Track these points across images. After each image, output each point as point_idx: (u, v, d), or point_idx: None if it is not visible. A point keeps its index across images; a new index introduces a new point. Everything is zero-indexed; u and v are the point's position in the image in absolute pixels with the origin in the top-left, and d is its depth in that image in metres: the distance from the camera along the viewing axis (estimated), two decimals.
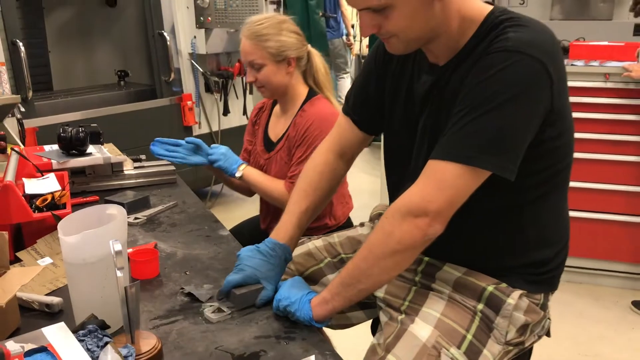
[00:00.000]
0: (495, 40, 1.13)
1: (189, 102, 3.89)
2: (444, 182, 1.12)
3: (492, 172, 1.12)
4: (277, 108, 2.13)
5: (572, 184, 3.39)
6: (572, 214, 3.35)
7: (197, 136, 3.96)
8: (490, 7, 1.20)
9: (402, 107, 1.35)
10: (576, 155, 3.29)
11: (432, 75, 1.26)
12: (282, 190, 1.95)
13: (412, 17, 1.14)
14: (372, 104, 1.43)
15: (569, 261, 3.50)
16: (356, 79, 1.49)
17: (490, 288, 1.24)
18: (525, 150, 1.15)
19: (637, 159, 3.07)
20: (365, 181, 4.86)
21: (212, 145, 1.99)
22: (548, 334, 1.38)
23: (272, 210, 2.09)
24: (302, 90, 2.03)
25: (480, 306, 1.24)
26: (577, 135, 3.23)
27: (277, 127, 2.10)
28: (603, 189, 3.16)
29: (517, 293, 1.23)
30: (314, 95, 2.02)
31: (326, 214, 2.03)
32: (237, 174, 1.95)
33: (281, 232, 1.43)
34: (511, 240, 1.28)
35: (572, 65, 3.12)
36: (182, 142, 1.97)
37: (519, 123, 1.11)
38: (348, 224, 2.10)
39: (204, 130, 4.02)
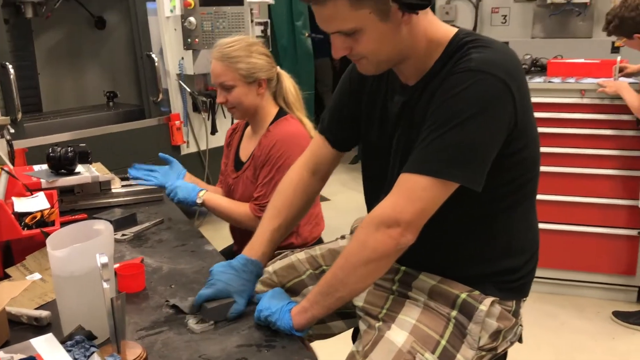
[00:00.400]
0: (459, 61, 1.20)
1: (177, 122, 3.95)
2: (414, 194, 1.19)
3: (459, 184, 1.19)
4: (248, 129, 2.17)
5: (553, 197, 3.47)
6: (554, 227, 3.44)
7: (185, 155, 4.03)
8: (455, 30, 1.28)
9: (378, 125, 1.42)
10: (556, 169, 3.37)
11: (403, 95, 1.33)
12: (247, 212, 1.97)
13: (380, 40, 1.20)
14: (347, 124, 1.50)
15: (553, 273, 3.58)
16: (332, 99, 1.56)
17: (463, 295, 1.30)
18: (494, 163, 1.21)
19: (615, 173, 3.15)
20: (354, 199, 4.91)
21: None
22: (520, 340, 1.43)
23: (241, 233, 2.09)
24: (272, 111, 2.07)
25: (454, 313, 1.30)
26: (555, 149, 3.33)
27: (247, 148, 2.13)
28: (584, 202, 3.23)
29: (489, 300, 1.29)
30: (283, 116, 2.06)
31: (292, 233, 2.03)
32: (198, 201, 1.98)
33: (253, 248, 1.49)
34: (483, 248, 1.34)
35: (549, 82, 3.21)
36: (157, 168, 2.05)
37: (484, 137, 1.17)
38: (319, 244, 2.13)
39: (192, 149, 4.08)
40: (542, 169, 3.32)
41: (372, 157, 1.47)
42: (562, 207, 3.25)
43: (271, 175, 1.95)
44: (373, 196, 1.47)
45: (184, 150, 4.02)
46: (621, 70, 3.21)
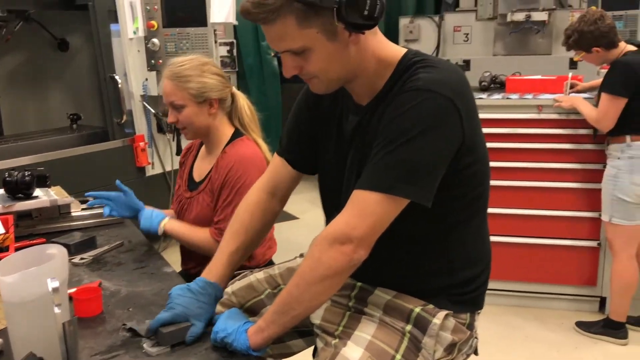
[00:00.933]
0: (408, 81, 1.23)
1: (142, 143, 3.93)
2: (366, 210, 1.21)
3: (409, 199, 1.22)
4: (203, 149, 2.15)
5: (516, 211, 3.52)
6: (517, 240, 3.49)
7: (150, 176, 4.01)
8: (404, 50, 1.32)
9: (334, 144, 1.44)
10: (518, 183, 3.42)
11: (357, 115, 1.36)
12: (208, 238, 1.95)
13: (329, 60, 1.23)
14: (304, 144, 1.52)
15: (517, 286, 3.61)
16: (288, 120, 1.58)
17: (417, 309, 1.32)
18: (446, 179, 1.24)
19: (576, 185, 3.23)
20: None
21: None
22: (476, 353, 1.45)
23: (193, 255, 2.08)
24: (227, 132, 2.06)
25: (408, 327, 1.32)
26: (517, 164, 3.38)
27: (201, 168, 2.11)
28: (546, 215, 3.30)
29: (443, 313, 1.31)
30: (239, 137, 2.05)
31: None
32: (160, 231, 1.96)
33: (212, 271, 1.50)
34: (437, 262, 1.37)
35: (507, 98, 3.29)
36: (114, 195, 2.01)
37: (432, 154, 1.21)
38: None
39: (157, 170, 4.05)
40: (505, 183, 3.40)
41: (329, 175, 1.49)
42: (525, 221, 3.31)
43: (230, 198, 1.94)
44: (330, 213, 1.49)
45: (149, 172, 4.00)
46: (573, 86, 3.31)
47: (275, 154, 1.60)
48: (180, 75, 1.96)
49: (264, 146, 2.09)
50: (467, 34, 5.69)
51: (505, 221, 3.30)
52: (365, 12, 1.17)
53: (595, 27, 2.85)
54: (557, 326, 3.23)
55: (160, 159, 4.09)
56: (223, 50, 5.17)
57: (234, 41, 5.30)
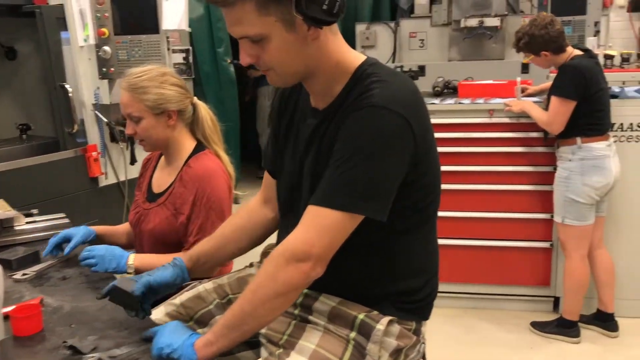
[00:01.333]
0: (363, 96, 1.24)
1: (94, 153, 3.84)
2: (324, 228, 1.22)
3: (366, 216, 1.23)
4: (162, 160, 2.10)
5: (471, 214, 3.56)
6: (473, 243, 3.53)
7: (104, 187, 3.92)
8: (363, 58, 1.32)
9: (292, 149, 1.44)
10: (472, 186, 3.46)
11: (314, 118, 1.36)
12: None
13: (286, 51, 1.23)
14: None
15: (474, 288, 3.66)
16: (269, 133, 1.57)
17: (361, 316, 1.31)
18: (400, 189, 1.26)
19: (528, 188, 3.29)
20: None
21: (87, 248, 1.79)
22: (424, 358, 1.45)
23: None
24: (189, 144, 2.02)
25: (352, 334, 1.31)
26: (470, 168, 3.42)
27: (161, 179, 2.06)
28: (500, 218, 3.35)
29: (386, 319, 1.31)
30: (201, 150, 2.01)
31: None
32: (129, 270, 1.82)
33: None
34: (383, 270, 1.36)
35: (460, 103, 3.33)
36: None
37: (387, 171, 1.23)
38: None
39: (111, 180, 3.96)
40: (459, 187, 3.44)
41: (286, 180, 1.48)
42: (479, 223, 3.35)
43: (204, 217, 1.90)
44: (285, 221, 1.48)
45: (102, 182, 3.90)
46: (523, 90, 3.37)
47: None
48: (137, 87, 1.90)
49: (226, 158, 2.05)
50: (423, 40, 5.76)
51: (460, 224, 3.34)
52: (324, 7, 1.18)
53: (546, 31, 2.91)
54: (513, 327, 3.28)
55: (114, 168, 4.00)
56: (179, 58, 5.10)
57: (190, 48, 5.24)
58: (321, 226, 1.22)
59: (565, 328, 3.11)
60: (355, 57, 1.32)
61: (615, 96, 3.14)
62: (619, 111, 3.09)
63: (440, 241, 3.41)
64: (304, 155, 1.38)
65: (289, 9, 1.17)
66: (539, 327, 3.19)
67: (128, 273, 1.81)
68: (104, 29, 3.69)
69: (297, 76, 1.31)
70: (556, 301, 3.39)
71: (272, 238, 1.61)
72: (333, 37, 1.28)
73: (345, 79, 1.30)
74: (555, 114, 2.93)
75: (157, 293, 1.52)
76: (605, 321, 3.16)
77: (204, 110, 2.06)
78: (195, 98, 2.05)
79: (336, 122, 1.28)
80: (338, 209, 1.21)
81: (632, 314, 3.29)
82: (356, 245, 1.32)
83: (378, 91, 1.23)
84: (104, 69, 3.76)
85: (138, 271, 1.79)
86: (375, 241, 1.34)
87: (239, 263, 1.92)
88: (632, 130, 3.15)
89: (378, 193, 1.23)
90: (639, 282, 3.28)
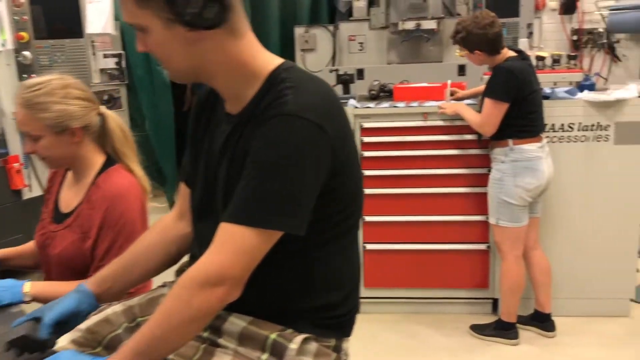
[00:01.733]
0: (274, 103, 1.16)
1: (16, 164, 3.65)
2: (240, 248, 1.13)
3: (284, 231, 1.15)
4: (70, 176, 1.91)
5: (408, 218, 3.53)
6: (410, 247, 3.50)
7: (28, 200, 3.73)
8: (278, 62, 1.24)
9: (205, 156, 1.35)
10: (409, 190, 3.42)
11: (228, 124, 1.28)
12: None
13: (166, 48, 1.17)
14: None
15: (414, 293, 3.61)
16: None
17: (273, 336, 1.23)
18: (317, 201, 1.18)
19: (464, 190, 3.28)
20: None
21: None
22: None
23: None
24: (97, 159, 1.84)
25: (264, 356, 1.22)
26: (404, 171, 3.39)
27: (68, 198, 1.88)
28: (437, 221, 3.33)
29: (300, 337, 1.23)
30: (111, 165, 1.84)
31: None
32: (26, 299, 1.67)
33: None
34: (299, 284, 1.28)
35: (394, 107, 3.29)
36: None
37: (303, 183, 1.15)
38: None
39: (36, 192, 3.77)
40: (395, 191, 3.38)
41: (199, 189, 1.38)
42: (416, 227, 3.32)
43: (112, 240, 1.75)
44: (199, 235, 1.38)
45: (26, 195, 3.71)
46: (453, 94, 3.37)
47: None
48: (32, 103, 1.70)
49: (140, 173, 1.88)
50: (362, 43, 5.73)
51: (397, 229, 3.30)
52: (196, 10, 1.11)
53: (484, 32, 2.90)
54: (453, 330, 3.26)
55: (39, 180, 3.80)
56: (111, 63, 4.95)
57: (123, 53, 5.08)
58: (235, 246, 1.13)
59: (503, 330, 3.11)
60: (269, 61, 1.24)
61: (546, 97, 3.16)
62: (550, 112, 3.12)
63: (378, 246, 3.40)
64: (217, 164, 1.29)
65: (163, 6, 1.12)
66: (478, 330, 3.18)
67: (25, 302, 1.67)
68: (22, 33, 3.52)
69: (185, 75, 1.24)
70: (495, 303, 3.39)
71: None
72: (235, 40, 1.20)
73: (257, 83, 1.22)
74: (487, 116, 2.93)
75: (67, 324, 1.41)
76: (542, 321, 3.18)
77: (114, 122, 1.87)
78: (103, 108, 1.87)
79: (249, 130, 1.20)
80: (252, 226, 1.13)
81: (569, 312, 3.32)
82: (270, 260, 1.22)
83: (290, 98, 1.15)
84: (25, 75, 3.59)
85: (37, 300, 1.65)
86: (291, 254, 1.25)
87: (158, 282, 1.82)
88: (563, 131, 3.18)
89: (294, 207, 1.15)
90: (574, 281, 3.32)
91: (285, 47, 5.87)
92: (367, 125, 3.18)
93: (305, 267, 1.28)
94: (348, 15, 5.79)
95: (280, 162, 1.13)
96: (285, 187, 1.13)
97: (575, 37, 5.47)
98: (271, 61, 1.24)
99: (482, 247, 3.31)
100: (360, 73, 5.14)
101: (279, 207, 1.14)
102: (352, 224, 1.33)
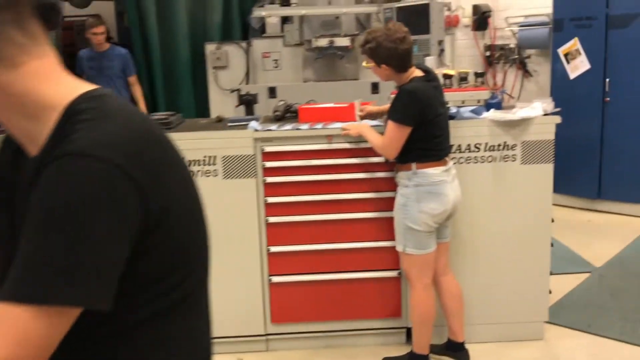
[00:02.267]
0: (65, 140, 0.91)
1: None
2: (20, 334, 0.86)
3: (82, 307, 0.89)
4: None
5: (312, 247, 3.31)
6: (317, 277, 3.29)
7: None
8: (80, 91, 0.99)
9: (7, 211, 1.08)
10: (312, 217, 3.19)
11: (26, 170, 1.02)
12: None
13: None
14: None
15: (324, 326, 3.36)
16: None
17: None
18: (125, 266, 0.93)
19: (372, 215, 3.12)
20: None
21: None
22: None
23: None
24: None
25: None
26: (308, 197, 3.18)
27: None
28: (344, 248, 3.15)
29: None
30: None
31: None
32: None
33: None
34: None
35: (297, 129, 3.11)
36: None
37: (98, 241, 0.89)
38: None
39: None
40: (298, 218, 3.11)
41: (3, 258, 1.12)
42: (322, 256, 3.13)
43: None
44: None
45: None
46: (362, 110, 3.23)
47: None
48: None
49: None
50: (277, 60, 5.58)
51: (301, 259, 3.10)
52: None
53: (394, 46, 2.74)
54: None
55: None
56: None
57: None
58: (14, 333, 0.85)
59: None
60: (68, 91, 0.99)
61: (452, 117, 3.06)
62: (456, 132, 3.01)
63: (284, 278, 3.12)
64: (19, 217, 1.04)
65: None
66: None
67: None
68: None
69: None
70: (409, 332, 3.23)
71: None
72: (15, 70, 0.96)
73: (52, 118, 0.97)
74: (390, 139, 2.78)
75: None
76: (456, 351, 3.05)
77: None
78: None
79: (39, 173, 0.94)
80: (37, 303, 0.85)
81: (484, 339, 3.21)
82: (70, 344, 0.98)
83: (83, 133, 0.91)
84: None
85: None
86: (99, 341, 0.99)
87: None
88: (469, 152, 3.08)
89: (92, 273, 0.88)
90: (488, 306, 3.21)
91: (196, 65, 5.64)
92: (268, 149, 2.98)
93: (131, 351, 1.01)
94: (261, 31, 5.63)
95: (65, 215, 0.87)
96: (70, 247, 0.87)
97: (488, 53, 5.49)
98: (70, 90, 0.99)
99: (393, 274, 3.16)
100: (272, 91, 4.97)
101: (66, 275, 0.87)
102: (193, 284, 1.07)
